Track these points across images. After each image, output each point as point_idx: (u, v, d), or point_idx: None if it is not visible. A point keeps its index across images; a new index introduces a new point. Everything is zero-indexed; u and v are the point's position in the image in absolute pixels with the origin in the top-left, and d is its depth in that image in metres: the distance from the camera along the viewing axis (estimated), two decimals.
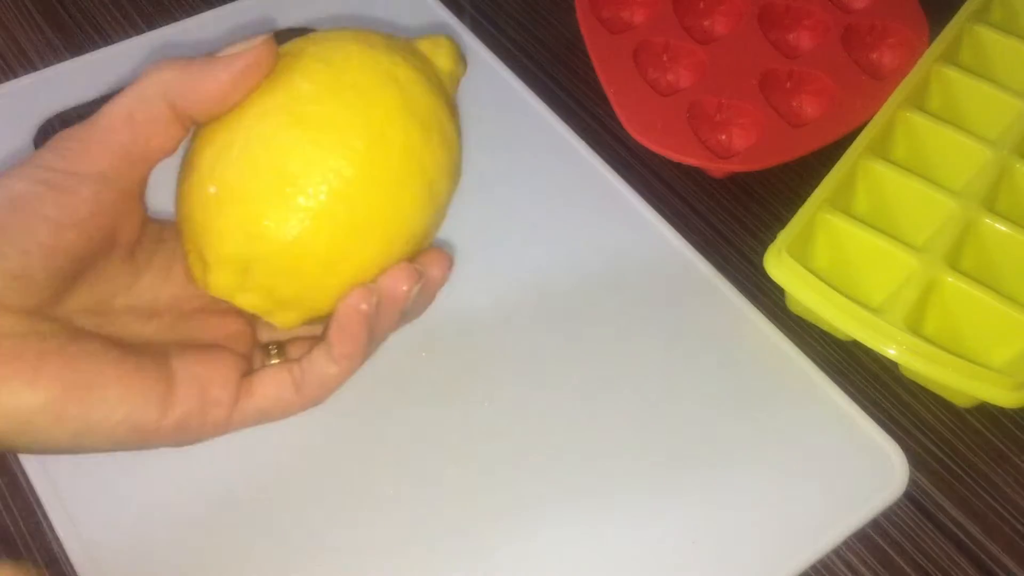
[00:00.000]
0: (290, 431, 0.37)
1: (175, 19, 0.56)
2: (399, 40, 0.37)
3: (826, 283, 0.44)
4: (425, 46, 0.37)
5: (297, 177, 0.32)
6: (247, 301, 0.34)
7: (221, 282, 0.34)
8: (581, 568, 0.39)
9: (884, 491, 0.41)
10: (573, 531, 0.39)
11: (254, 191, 0.32)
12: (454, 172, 0.37)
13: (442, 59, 0.37)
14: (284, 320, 0.35)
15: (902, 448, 0.42)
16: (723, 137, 0.54)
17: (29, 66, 0.54)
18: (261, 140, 0.33)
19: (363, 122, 0.33)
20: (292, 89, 0.33)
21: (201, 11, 0.56)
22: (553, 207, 0.49)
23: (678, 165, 0.52)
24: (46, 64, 0.54)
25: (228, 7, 0.57)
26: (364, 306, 0.33)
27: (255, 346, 0.37)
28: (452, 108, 0.37)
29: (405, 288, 0.34)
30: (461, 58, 0.38)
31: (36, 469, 0.40)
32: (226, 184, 0.33)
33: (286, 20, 0.57)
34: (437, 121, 0.35)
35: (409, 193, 0.34)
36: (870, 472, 0.42)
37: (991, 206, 0.48)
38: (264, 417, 0.35)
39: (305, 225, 0.32)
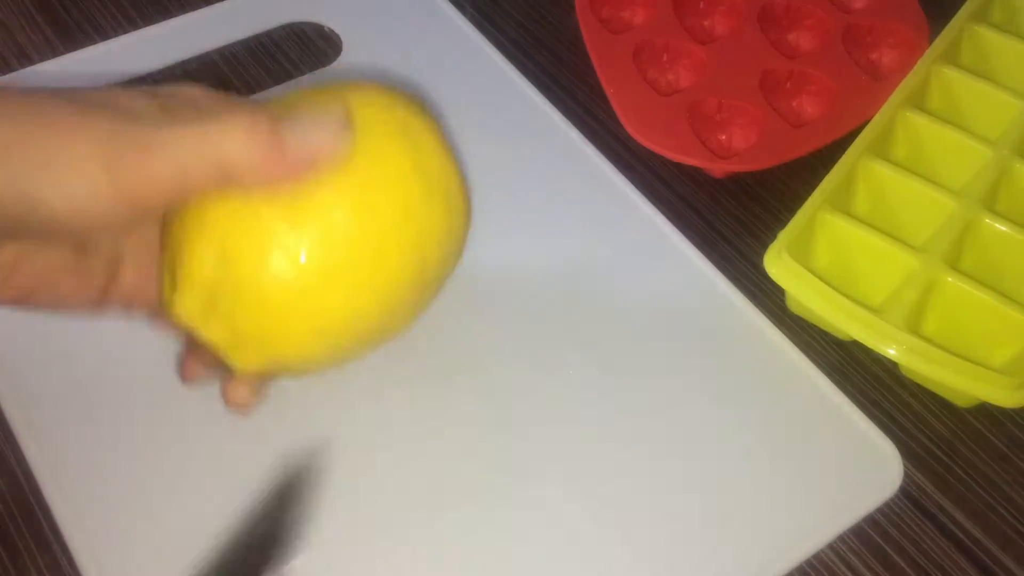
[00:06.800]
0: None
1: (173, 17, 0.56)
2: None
3: (826, 283, 0.44)
4: None
5: (286, 210, 0.32)
6: (210, 331, 0.34)
7: (188, 305, 0.33)
8: (578, 564, 0.39)
9: (879, 489, 0.41)
10: (569, 530, 0.39)
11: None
12: (451, 243, 0.36)
13: None
14: (244, 359, 0.34)
15: (902, 448, 0.42)
16: (723, 137, 0.54)
17: (29, 65, 0.54)
18: None
19: (368, 172, 0.33)
20: None
21: (199, 8, 0.56)
22: (553, 203, 0.49)
23: (678, 165, 0.52)
24: None
25: (226, 4, 0.57)
26: None
27: None
28: (462, 179, 0.37)
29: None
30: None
31: (37, 468, 0.40)
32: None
33: (285, 17, 0.57)
34: (443, 187, 0.35)
35: (395, 253, 0.34)
36: (865, 470, 0.42)
37: (991, 206, 0.48)
38: None
39: (277, 255, 0.32)
